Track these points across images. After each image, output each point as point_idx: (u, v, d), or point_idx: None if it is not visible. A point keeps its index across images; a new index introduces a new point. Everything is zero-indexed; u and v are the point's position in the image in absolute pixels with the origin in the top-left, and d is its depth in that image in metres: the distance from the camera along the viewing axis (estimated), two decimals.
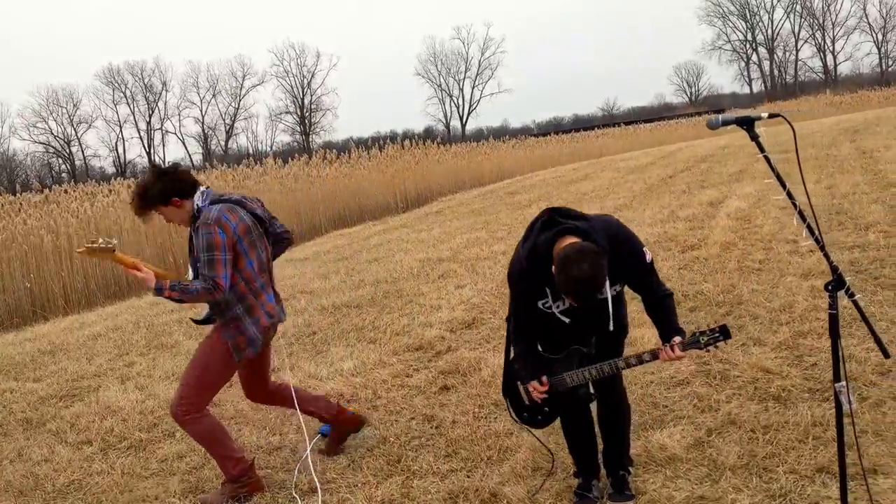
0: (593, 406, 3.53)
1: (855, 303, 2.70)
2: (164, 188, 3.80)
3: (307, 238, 16.39)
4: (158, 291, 3.67)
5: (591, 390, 3.42)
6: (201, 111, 74.67)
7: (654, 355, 3.15)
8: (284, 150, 70.27)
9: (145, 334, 8.17)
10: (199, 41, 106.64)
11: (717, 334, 3.09)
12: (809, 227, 2.74)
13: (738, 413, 4.11)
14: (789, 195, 2.77)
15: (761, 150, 2.76)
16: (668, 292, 3.25)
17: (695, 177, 16.31)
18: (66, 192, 16.15)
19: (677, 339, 3.11)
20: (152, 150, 71.65)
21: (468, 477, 3.86)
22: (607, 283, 3.11)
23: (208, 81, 73.87)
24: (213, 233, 3.67)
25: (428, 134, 57.05)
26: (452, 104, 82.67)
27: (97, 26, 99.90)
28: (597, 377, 3.28)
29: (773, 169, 2.77)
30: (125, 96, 72.10)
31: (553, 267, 2.97)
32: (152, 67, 73.82)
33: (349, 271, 10.41)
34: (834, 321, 2.69)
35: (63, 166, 70.60)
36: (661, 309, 3.23)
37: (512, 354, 3.49)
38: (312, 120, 77.26)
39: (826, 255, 2.71)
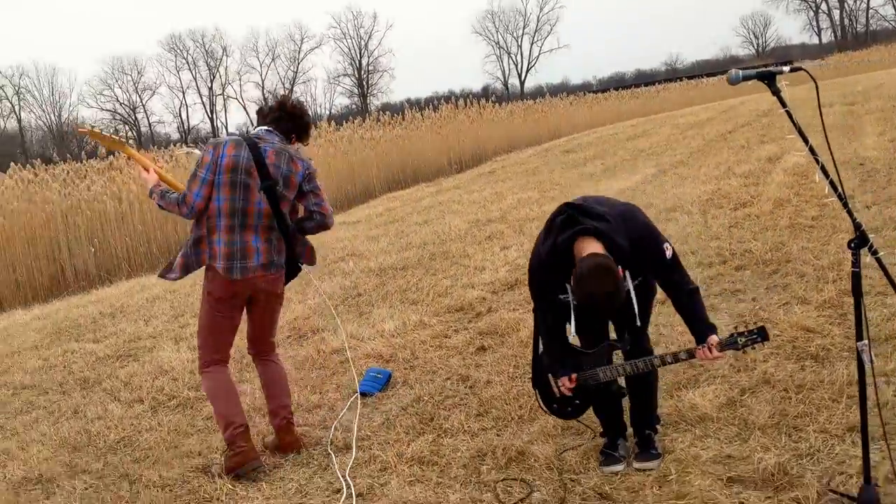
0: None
1: (879, 260, 2.63)
2: (265, 111, 4.07)
3: (360, 201, 16.54)
4: (150, 193, 3.96)
5: (622, 384, 3.44)
6: (261, 76, 75.12)
7: (691, 354, 3.18)
8: (343, 112, 70.48)
9: (201, 296, 8.39)
10: (258, 5, 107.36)
11: (755, 335, 3.09)
12: (832, 183, 2.67)
13: (773, 373, 4.05)
14: (811, 150, 2.71)
15: (783, 104, 2.69)
16: (694, 287, 3.24)
17: (755, 132, 15.86)
18: (128, 158, 16.58)
19: (714, 338, 3.11)
20: (214, 116, 72.86)
21: (498, 436, 3.91)
22: (629, 277, 3.12)
23: (267, 46, 74.36)
24: (206, 151, 3.84)
25: (486, 92, 56.48)
26: (511, 61, 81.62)
27: None
28: (631, 374, 3.30)
29: (794, 124, 2.70)
30: (187, 63, 73.14)
31: (573, 271, 2.99)
32: (213, 33, 75.03)
33: (398, 233, 10.49)
34: (856, 279, 2.63)
35: (129, 133, 72.32)
36: (689, 305, 3.21)
37: (541, 348, 3.51)
38: (370, 82, 77.30)
39: (849, 212, 2.66)
